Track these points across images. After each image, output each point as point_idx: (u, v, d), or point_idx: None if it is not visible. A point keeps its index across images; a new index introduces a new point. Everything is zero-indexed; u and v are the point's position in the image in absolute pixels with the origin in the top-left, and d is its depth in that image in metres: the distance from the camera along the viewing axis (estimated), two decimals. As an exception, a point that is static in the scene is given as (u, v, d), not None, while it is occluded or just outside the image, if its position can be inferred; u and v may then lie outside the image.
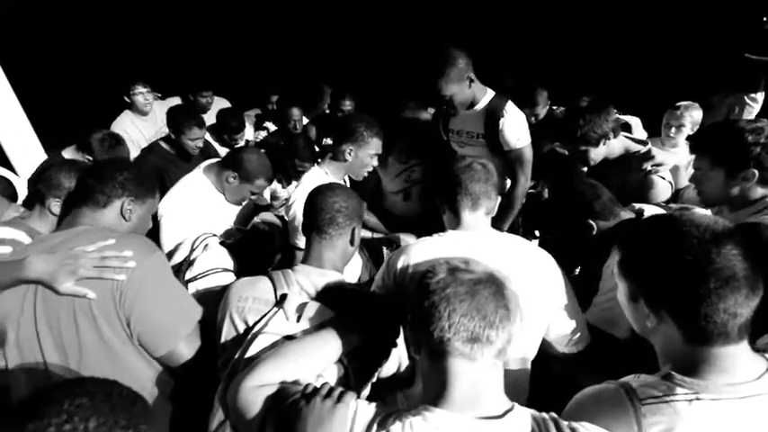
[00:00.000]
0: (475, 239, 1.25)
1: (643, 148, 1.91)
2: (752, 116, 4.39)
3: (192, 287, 1.54)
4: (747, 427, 0.72)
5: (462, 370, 0.76)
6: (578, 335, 1.28)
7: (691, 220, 0.79)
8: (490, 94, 2.10)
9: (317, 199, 1.21)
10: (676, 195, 1.95)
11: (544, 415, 0.76)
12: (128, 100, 3.23)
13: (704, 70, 4.41)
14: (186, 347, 1.17)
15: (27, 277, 1.07)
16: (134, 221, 1.31)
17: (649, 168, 1.87)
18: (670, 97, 2.89)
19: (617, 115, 2.79)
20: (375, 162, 1.98)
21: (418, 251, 1.22)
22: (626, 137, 2.01)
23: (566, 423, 0.74)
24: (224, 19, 5.49)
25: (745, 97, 4.38)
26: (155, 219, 1.75)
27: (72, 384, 0.65)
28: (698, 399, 0.74)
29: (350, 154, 1.89)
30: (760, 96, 4.40)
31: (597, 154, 1.92)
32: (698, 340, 0.76)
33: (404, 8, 5.16)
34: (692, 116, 2.57)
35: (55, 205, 1.50)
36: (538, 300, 1.21)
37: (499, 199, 1.38)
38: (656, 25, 4.90)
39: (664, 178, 1.88)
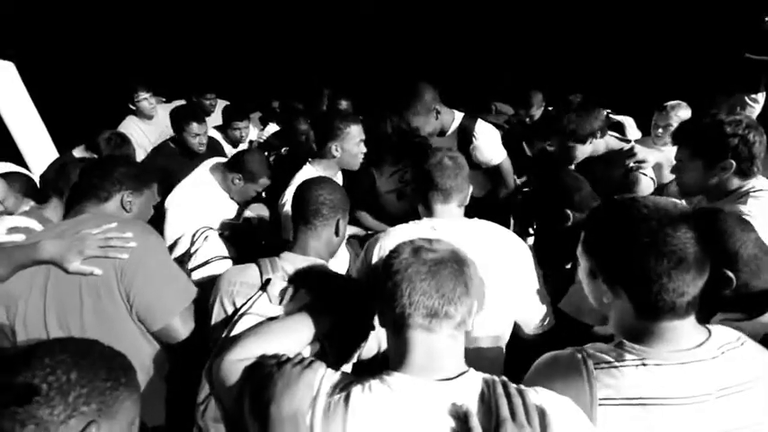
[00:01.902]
0: (448, 225, 1.33)
1: (626, 146, 1.97)
2: (753, 117, 4.36)
3: (196, 275, 1.65)
4: (687, 388, 0.78)
5: (421, 340, 0.82)
6: (545, 316, 1.35)
7: (652, 203, 0.84)
8: (458, 117, 2.16)
9: (303, 192, 1.29)
10: (660, 191, 1.99)
11: (495, 377, 0.81)
12: (132, 107, 3.34)
13: (704, 71, 4.42)
14: (181, 324, 1.26)
15: (40, 258, 1.18)
16: (134, 212, 1.42)
17: (632, 165, 1.93)
18: (669, 97, 2.93)
19: (610, 115, 2.84)
20: (363, 148, 2.01)
21: (394, 237, 1.30)
22: (609, 135, 2.06)
23: (514, 385, 0.79)
24: (226, 23, 5.65)
25: (746, 98, 4.37)
26: (160, 210, 1.86)
27: (53, 343, 0.72)
28: (644, 364, 0.80)
29: (336, 150, 1.96)
30: (761, 97, 4.38)
31: (583, 152, 1.97)
32: (648, 315, 0.82)
33: (405, 8, 5.25)
34: (679, 116, 2.61)
35: None
36: (508, 281, 1.28)
37: (471, 188, 1.45)
38: (656, 25, 4.92)
39: (646, 175, 1.93)
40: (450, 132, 2.15)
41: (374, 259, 1.31)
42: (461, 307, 0.83)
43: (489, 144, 2.14)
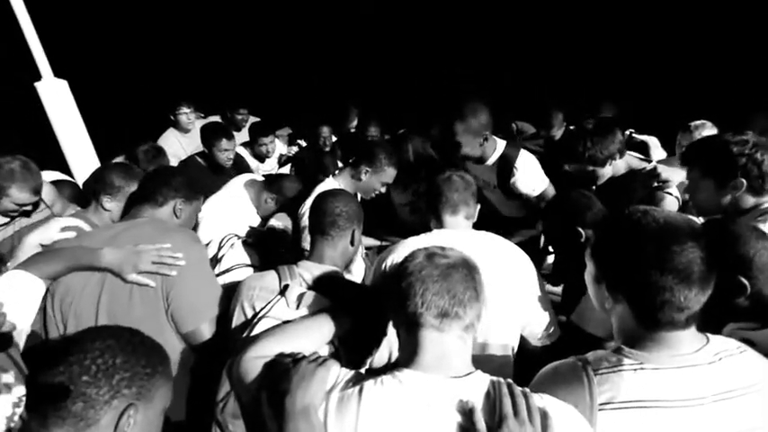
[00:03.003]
0: (457, 236, 1.40)
1: (648, 166, 1.95)
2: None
3: (221, 280, 1.75)
4: (683, 391, 0.80)
5: (432, 339, 0.86)
6: (549, 325, 1.38)
7: (663, 219, 0.85)
8: (501, 146, 2.11)
9: (320, 203, 1.37)
10: (684, 209, 1.96)
11: (501, 379, 0.84)
12: (172, 119, 3.57)
13: (736, 89, 4.30)
14: (208, 330, 1.36)
15: (99, 264, 1.31)
16: (183, 218, 1.57)
17: (656, 185, 1.91)
18: (697, 116, 2.87)
19: (634, 135, 2.81)
20: (384, 189, 2.13)
21: (406, 248, 1.35)
22: (630, 155, 2.05)
23: (519, 388, 0.82)
24: (260, 47, 5.99)
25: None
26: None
27: (101, 329, 0.81)
28: (642, 368, 0.82)
29: (365, 174, 2.06)
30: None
31: (603, 174, 1.97)
32: (648, 325, 0.84)
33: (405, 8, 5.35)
34: (704, 135, 2.55)
35: (106, 201, 1.74)
36: (511, 289, 1.32)
37: (478, 206, 1.53)
38: (685, 45, 4.83)
39: (671, 194, 1.91)
40: (490, 162, 2.09)
41: (388, 268, 1.37)
42: (470, 310, 0.87)
43: (531, 176, 2.08)
